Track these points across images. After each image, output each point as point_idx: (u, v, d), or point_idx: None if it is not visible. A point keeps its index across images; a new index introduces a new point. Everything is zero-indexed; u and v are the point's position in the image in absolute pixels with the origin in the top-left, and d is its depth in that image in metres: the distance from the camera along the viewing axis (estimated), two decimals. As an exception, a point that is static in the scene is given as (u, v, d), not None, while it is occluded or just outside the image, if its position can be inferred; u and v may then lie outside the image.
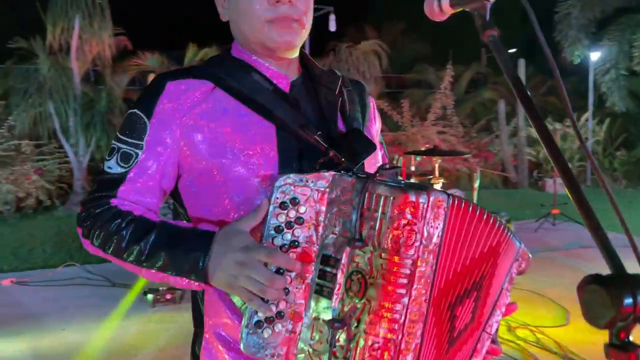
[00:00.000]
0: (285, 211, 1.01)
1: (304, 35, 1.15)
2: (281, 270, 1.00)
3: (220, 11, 1.19)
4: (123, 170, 1.08)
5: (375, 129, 1.30)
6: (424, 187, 0.98)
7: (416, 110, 13.63)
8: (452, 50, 15.00)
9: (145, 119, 1.09)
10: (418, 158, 4.84)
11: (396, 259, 0.94)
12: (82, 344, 3.73)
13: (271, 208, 1.01)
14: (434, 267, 0.98)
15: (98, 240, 1.06)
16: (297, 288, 1.01)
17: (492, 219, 1.03)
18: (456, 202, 0.98)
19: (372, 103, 1.31)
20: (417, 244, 0.94)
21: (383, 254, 0.95)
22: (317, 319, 1.00)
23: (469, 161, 11.68)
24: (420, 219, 0.94)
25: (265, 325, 1.00)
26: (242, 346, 0.99)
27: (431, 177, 4.35)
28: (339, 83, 1.21)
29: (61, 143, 9.19)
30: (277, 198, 1.01)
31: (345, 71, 10.94)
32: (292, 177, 1.01)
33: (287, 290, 1.00)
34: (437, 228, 0.97)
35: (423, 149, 4.83)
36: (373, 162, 1.22)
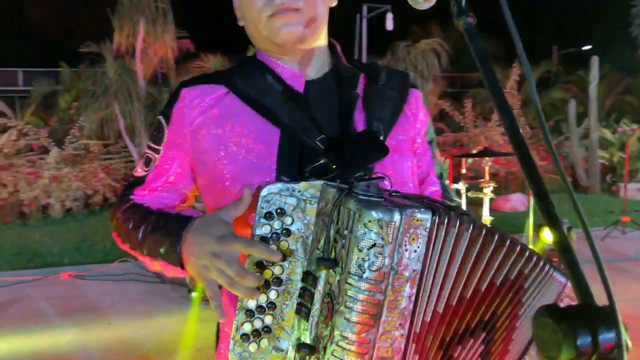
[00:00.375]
0: (271, 222, 0.94)
1: (313, 25, 1.08)
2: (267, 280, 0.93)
3: (238, 17, 1.16)
4: (144, 173, 1.12)
5: (417, 127, 1.17)
6: (402, 203, 0.87)
7: (480, 110, 13.21)
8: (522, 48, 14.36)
9: (164, 125, 1.11)
10: (470, 160, 4.63)
11: (361, 285, 0.84)
12: (126, 338, 3.84)
13: (256, 218, 0.94)
14: (413, 298, 0.86)
15: (116, 231, 1.11)
16: (284, 304, 0.94)
17: (508, 243, 0.90)
18: (446, 221, 0.86)
19: (415, 98, 1.18)
20: (386, 269, 0.83)
21: (348, 279, 0.85)
22: (299, 339, 0.92)
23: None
24: (390, 240, 0.83)
25: (251, 339, 0.94)
26: (229, 356, 0.94)
27: (482, 180, 4.14)
28: (359, 79, 1.13)
29: (126, 143, 9.59)
30: (262, 208, 0.94)
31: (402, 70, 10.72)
32: (278, 186, 0.94)
33: (274, 305, 0.94)
34: (414, 252, 0.85)
35: (474, 151, 4.62)
36: (408, 166, 1.12)
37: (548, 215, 0.62)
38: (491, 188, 4.01)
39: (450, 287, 0.89)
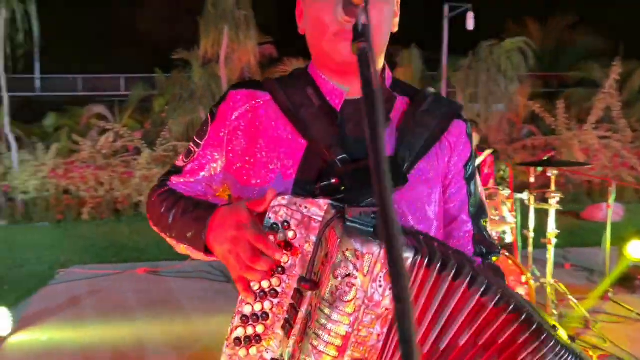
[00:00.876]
0: (275, 233, 0.95)
1: (376, 48, 1.05)
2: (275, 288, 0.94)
3: (299, 24, 1.17)
4: (183, 164, 1.18)
5: (454, 159, 1.14)
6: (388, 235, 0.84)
7: (577, 112, 12.38)
8: (627, 44, 13.32)
9: (209, 122, 1.16)
10: (540, 169, 4.35)
11: (331, 314, 0.83)
12: (184, 334, 4.01)
13: (263, 227, 0.95)
14: (382, 338, 0.84)
15: (149, 212, 1.16)
16: (277, 317, 0.95)
17: (497, 300, 0.83)
18: (426, 264, 0.82)
19: (458, 129, 1.14)
20: (357, 302, 0.82)
21: (321, 304, 0.84)
22: (282, 355, 0.93)
23: (637, 170, 10.27)
24: (365, 273, 0.81)
25: (242, 344, 0.96)
26: (222, 357, 0.98)
27: (548, 190, 3.88)
28: (394, 103, 1.11)
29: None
30: (270, 218, 0.95)
31: (483, 70, 10.28)
32: (287, 199, 0.95)
33: (267, 316, 0.95)
34: (389, 290, 0.83)
35: (543, 157, 4.33)
36: (434, 198, 1.09)
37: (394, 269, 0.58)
38: (557, 199, 3.74)
39: (422, 335, 0.85)
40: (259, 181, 1.07)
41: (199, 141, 1.16)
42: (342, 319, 0.82)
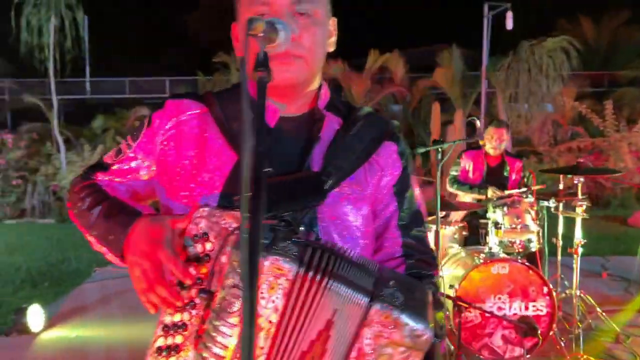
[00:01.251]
0: (196, 244, 0.97)
1: (310, 71, 1.10)
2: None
3: (235, 46, 1.18)
4: (111, 162, 1.18)
5: (385, 179, 1.15)
6: (281, 249, 0.85)
7: (629, 112, 11.86)
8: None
9: (145, 127, 1.17)
10: (569, 175, 4.18)
11: (218, 325, 0.85)
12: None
13: (185, 237, 0.97)
14: (266, 351, 0.86)
15: (71, 202, 1.16)
16: (195, 328, 0.96)
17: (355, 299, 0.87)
18: (311, 276, 0.84)
19: (387, 150, 1.16)
20: (241, 314, 0.84)
21: (211, 315, 0.87)
22: None
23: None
24: (248, 285, 0.81)
25: (163, 353, 0.97)
26: None
27: (574, 198, 3.72)
28: (323, 123, 1.13)
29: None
30: (191, 228, 0.97)
31: (524, 70, 9.98)
32: (207, 211, 0.97)
33: (186, 327, 0.96)
34: (272, 303, 0.85)
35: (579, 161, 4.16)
36: (362, 215, 1.11)
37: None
38: (584, 206, 3.59)
39: (306, 349, 0.87)
40: (187, 193, 1.08)
41: (131, 143, 1.16)
42: (228, 331, 0.83)
